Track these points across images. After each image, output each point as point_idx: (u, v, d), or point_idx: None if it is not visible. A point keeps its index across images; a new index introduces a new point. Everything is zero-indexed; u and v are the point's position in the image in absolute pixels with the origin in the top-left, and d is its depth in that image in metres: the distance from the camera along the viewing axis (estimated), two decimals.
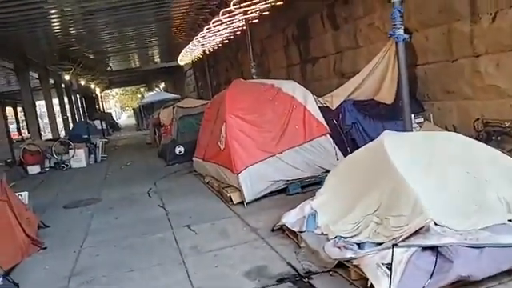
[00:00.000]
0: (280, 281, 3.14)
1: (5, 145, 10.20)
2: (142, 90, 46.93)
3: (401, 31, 4.36)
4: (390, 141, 3.48)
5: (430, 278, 2.57)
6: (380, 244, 2.97)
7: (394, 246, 2.75)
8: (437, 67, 5.59)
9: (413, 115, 4.98)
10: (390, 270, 2.63)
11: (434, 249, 2.69)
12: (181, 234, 4.47)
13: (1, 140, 10.25)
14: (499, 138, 4.79)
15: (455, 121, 5.45)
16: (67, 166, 10.88)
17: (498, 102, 4.85)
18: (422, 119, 5.50)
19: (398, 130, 4.44)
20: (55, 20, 9.85)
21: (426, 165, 3.26)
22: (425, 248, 2.71)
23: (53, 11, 9.00)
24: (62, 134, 17.14)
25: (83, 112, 24.61)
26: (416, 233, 2.81)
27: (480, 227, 2.84)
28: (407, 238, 2.81)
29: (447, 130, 5.49)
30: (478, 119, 4.99)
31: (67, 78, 17.68)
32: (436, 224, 2.82)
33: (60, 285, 3.61)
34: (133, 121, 31.15)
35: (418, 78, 5.89)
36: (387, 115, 5.42)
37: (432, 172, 3.19)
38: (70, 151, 11.11)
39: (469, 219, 2.89)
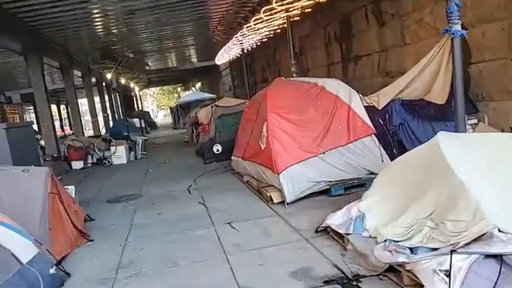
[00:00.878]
0: (327, 282, 3.04)
1: (51, 141, 10.67)
2: (178, 89, 47.93)
3: (458, 26, 4.13)
4: (446, 142, 3.30)
5: (494, 287, 2.40)
6: (435, 249, 2.81)
7: (452, 251, 2.60)
8: (494, 65, 5.26)
9: (465, 116, 4.72)
10: (449, 276, 2.48)
11: (497, 257, 2.51)
12: (223, 231, 4.46)
13: (48, 136, 10.74)
14: None
15: None
16: (109, 162, 11.22)
17: None
18: (475, 120, 5.20)
19: (449, 131, 4.21)
20: (98, 19, 10.22)
21: (486, 168, 3.05)
22: (488, 256, 2.53)
23: (95, 11, 9.34)
24: (103, 131, 17.75)
25: (122, 110, 25.40)
26: (477, 240, 2.63)
27: None
28: (467, 244, 2.63)
29: (503, 132, 5.16)
30: None
31: (108, 76, 18.32)
32: (500, 231, 2.63)
33: (109, 276, 3.69)
34: (169, 119, 31.86)
35: (472, 76, 5.57)
36: (437, 116, 5.17)
37: (493, 176, 2.98)
38: (111, 148, 11.45)
39: None
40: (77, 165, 11.09)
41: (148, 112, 34.67)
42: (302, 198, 5.12)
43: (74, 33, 11.05)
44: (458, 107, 4.33)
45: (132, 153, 11.86)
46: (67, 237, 4.38)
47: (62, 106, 34.40)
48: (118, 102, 24.63)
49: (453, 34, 4.11)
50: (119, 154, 11.32)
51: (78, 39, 12.29)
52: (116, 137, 12.22)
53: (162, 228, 4.89)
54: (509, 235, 2.61)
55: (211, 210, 5.39)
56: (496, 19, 5.06)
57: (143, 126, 21.33)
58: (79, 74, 16.50)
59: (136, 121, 20.41)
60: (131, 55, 17.48)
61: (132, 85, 26.29)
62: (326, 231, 3.91)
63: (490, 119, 5.29)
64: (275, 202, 5.18)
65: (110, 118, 20.84)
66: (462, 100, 4.31)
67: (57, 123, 31.83)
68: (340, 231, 3.65)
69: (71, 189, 5.64)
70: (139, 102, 35.88)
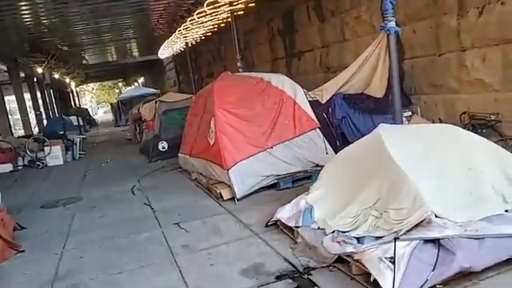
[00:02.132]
0: (279, 277, 3.06)
1: None
2: (119, 84, 45.89)
3: (393, 23, 4.33)
4: (386, 133, 3.46)
5: (433, 271, 2.56)
6: (380, 238, 2.94)
7: (395, 239, 2.74)
8: (424, 61, 5.63)
9: (401, 109, 4.99)
10: (394, 263, 2.61)
11: (435, 241, 2.69)
12: (170, 233, 4.33)
13: None
14: (484, 131, 4.87)
15: (442, 114, 5.52)
16: (43, 163, 10.44)
17: (483, 96, 4.93)
18: (409, 113, 5.53)
19: (388, 123, 4.44)
20: (25, 8, 9.37)
21: (423, 157, 3.25)
22: (427, 240, 2.70)
23: None
24: (35, 130, 16.49)
25: (58, 107, 23.76)
26: (417, 226, 2.80)
27: (478, 218, 2.86)
28: (408, 231, 2.79)
29: (433, 123, 5.55)
30: (464, 113, 5.07)
31: (39, 71, 17.00)
32: (437, 216, 2.82)
33: None
34: (110, 116, 30.40)
35: (406, 71, 5.92)
36: (377, 109, 5.43)
37: (430, 164, 3.18)
38: (45, 148, 10.67)
39: (467, 211, 2.91)
40: (5, 168, 10.16)
41: (86, 109, 32.81)
42: (251, 194, 5.13)
43: None
44: (395, 101, 4.55)
45: (69, 153, 11.15)
46: None
47: None
48: (52, 98, 23.00)
49: (388, 30, 4.31)
50: (54, 154, 10.57)
51: (1, 29, 11.19)
52: (51, 136, 11.43)
53: (103, 233, 4.63)
54: (444, 220, 2.81)
55: (158, 210, 5.22)
56: (425, 17, 5.41)
57: (81, 123, 20.17)
58: (4, 67, 15.10)
59: (73, 118, 19.25)
60: (65, 48, 16.30)
61: (68, 80, 24.64)
62: (277, 225, 3.94)
63: (422, 111, 5.67)
64: (225, 198, 5.14)
65: (44, 116, 19.41)
66: (398, 94, 4.54)
67: None
68: (289, 224, 3.70)
69: None
70: (76, 99, 33.76)
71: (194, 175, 6.43)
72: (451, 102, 5.34)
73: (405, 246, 2.67)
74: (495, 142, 4.67)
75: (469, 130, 4.95)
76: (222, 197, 5.17)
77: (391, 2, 4.34)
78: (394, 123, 4.49)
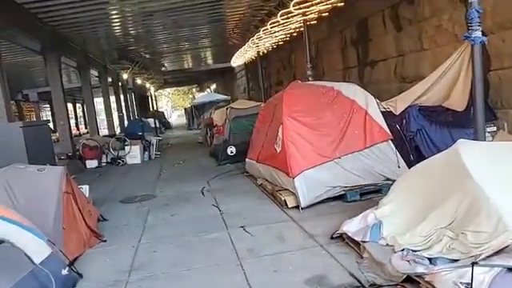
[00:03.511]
0: None
1: (66, 139, 10.84)
2: (193, 90, 48.25)
3: (478, 33, 4.06)
4: (466, 150, 3.24)
5: None
6: (455, 261, 2.75)
7: (474, 264, 2.54)
8: None
9: (485, 123, 4.63)
10: None
11: None
12: (236, 235, 4.45)
13: (63, 135, 10.92)
14: None
15: None
16: (123, 161, 11.33)
17: None
18: (494, 128, 5.10)
19: (468, 138, 4.14)
20: (115, 20, 10.38)
21: (507, 178, 2.98)
22: (510, 269, 2.47)
23: (113, 12, 9.48)
24: (118, 130, 17.96)
25: (137, 110, 25.67)
26: (499, 252, 2.58)
27: None
28: (489, 256, 2.58)
29: None
30: None
31: (125, 76, 18.56)
32: None
33: (121, 278, 3.70)
34: (183, 120, 32.04)
35: (491, 84, 5.47)
36: (456, 123, 5.08)
37: None
38: (126, 147, 11.57)
39: None
40: (91, 164, 11.22)
41: (163, 112, 34.96)
42: (316, 203, 5.07)
43: (91, 33, 11.24)
44: (478, 114, 4.25)
45: (146, 153, 11.96)
46: (80, 237, 4.40)
47: (78, 105, 34.98)
48: (133, 101, 24.93)
49: (473, 40, 4.05)
50: (133, 153, 11.44)
51: (95, 39, 12.49)
52: (130, 136, 12.36)
53: (175, 230, 4.90)
54: None
55: (225, 212, 5.40)
56: None
57: (157, 126, 21.55)
58: (96, 73, 16.74)
59: (151, 121, 20.64)
60: (148, 56, 17.68)
61: (148, 85, 26.55)
62: (342, 238, 3.86)
63: (509, 127, 5.18)
64: (289, 206, 5.15)
65: (125, 117, 21.09)
66: (481, 107, 4.24)
67: (72, 121, 32.45)
68: (356, 238, 3.61)
69: (85, 188, 5.68)
70: (154, 102, 36.16)
71: (260, 181, 6.54)
72: None
73: (484, 272, 2.48)
74: None
75: None
76: (286, 204, 5.19)
77: (477, 11, 4.08)
78: (475, 139, 4.19)
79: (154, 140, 12.63)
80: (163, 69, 23.73)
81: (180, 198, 6.60)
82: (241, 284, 3.31)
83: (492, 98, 5.47)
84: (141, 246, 4.50)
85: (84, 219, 4.64)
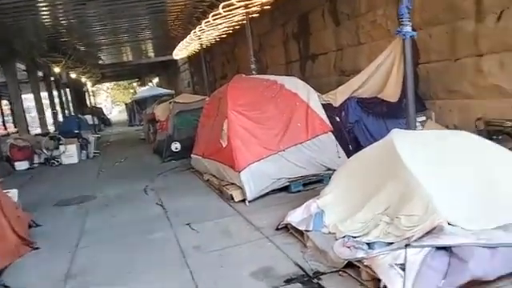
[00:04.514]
0: (288, 281, 3.06)
1: None
2: (134, 84, 46.46)
3: (408, 28, 4.29)
4: (399, 139, 3.44)
5: (444, 279, 2.54)
6: (391, 244, 2.92)
7: (407, 246, 2.71)
8: (439, 66, 5.57)
9: (415, 114, 4.94)
10: (404, 270, 2.59)
11: (447, 249, 2.65)
12: (182, 233, 4.36)
13: None
14: (500, 137, 4.79)
15: (456, 120, 5.45)
16: (58, 162, 10.62)
17: (500, 102, 4.85)
18: (424, 118, 5.47)
19: (401, 128, 4.40)
20: (43, 8, 9.56)
21: (437, 163, 3.21)
22: (438, 248, 2.67)
23: None
24: (51, 128, 16.81)
25: (74, 106, 24.17)
26: (429, 233, 2.77)
27: (492, 227, 2.81)
28: (420, 238, 2.76)
29: (448, 128, 5.49)
30: (479, 118, 4.99)
31: (57, 70, 17.33)
32: (449, 224, 2.79)
33: (56, 287, 3.47)
34: (124, 116, 30.74)
35: (420, 76, 5.86)
36: (390, 113, 5.39)
37: (443, 171, 3.14)
38: (60, 147, 10.86)
39: (481, 219, 2.86)
40: (21, 165, 10.38)
41: (101, 108, 33.25)
42: (262, 196, 5.13)
43: (15, 22, 10.26)
44: (409, 105, 4.51)
45: (84, 152, 11.32)
46: (7, 246, 4.05)
47: (5, 102, 32.12)
48: (68, 97, 23.42)
49: (404, 35, 4.28)
50: (69, 153, 10.76)
51: (20, 29, 11.42)
52: (66, 135, 11.60)
53: (116, 232, 4.70)
54: (457, 228, 2.78)
55: (170, 211, 5.27)
56: (441, 22, 5.36)
57: (96, 123, 20.48)
58: (23, 67, 15.44)
59: (88, 118, 19.54)
60: (82, 48, 16.62)
61: (84, 79, 25.07)
62: (287, 228, 3.94)
63: (436, 117, 5.60)
64: (236, 200, 5.16)
65: (60, 114, 19.78)
66: (412, 98, 4.50)
67: None
68: (300, 228, 3.70)
69: (13, 192, 5.27)
70: (92, 98, 34.27)
71: (207, 176, 6.47)
72: (466, 107, 5.27)
73: (416, 253, 2.65)
74: (510, 149, 4.64)
75: (483, 136, 4.89)
76: (233, 198, 5.20)
77: (407, 7, 4.31)
78: (407, 128, 4.46)
79: (91, 138, 11.97)
80: (100, 62, 22.50)
81: (122, 198, 6.33)
82: (187, 282, 3.26)
83: (421, 89, 5.86)
84: (78, 251, 4.26)
85: (12, 227, 4.27)
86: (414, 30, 4.55)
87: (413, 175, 3.03)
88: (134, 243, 4.30)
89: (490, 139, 4.75)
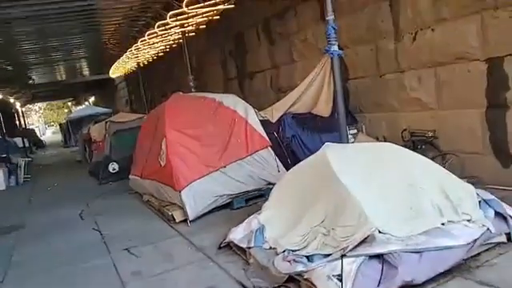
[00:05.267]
0: None
1: None
2: (69, 104, 44.01)
3: (335, 47, 4.58)
4: (331, 152, 3.60)
5: (378, 286, 2.67)
6: (329, 255, 3.01)
7: (342, 256, 2.83)
8: (367, 81, 5.96)
9: (347, 127, 5.23)
10: (341, 280, 2.69)
11: (380, 257, 2.80)
12: (120, 259, 4.18)
13: None
14: (423, 146, 5.22)
15: (385, 131, 5.84)
16: None
17: (421, 114, 5.28)
18: (355, 131, 5.78)
19: (335, 141, 4.62)
20: None
21: (366, 174, 3.40)
22: (371, 256, 2.81)
23: None
24: None
25: (0, 128, 22.29)
26: (362, 242, 2.90)
27: (418, 232, 3.01)
28: (354, 247, 2.89)
29: (378, 140, 5.86)
30: (405, 130, 5.39)
31: None
32: (380, 232, 2.94)
33: None
34: (59, 137, 29.01)
35: (350, 91, 6.22)
36: (324, 128, 5.63)
37: (372, 181, 3.33)
38: None
39: (408, 225, 3.06)
40: None
41: (33, 130, 31.05)
42: (204, 214, 5.09)
43: None
44: (340, 119, 4.78)
45: (12, 177, 10.52)
46: None
47: None
48: None
49: (331, 53, 4.56)
50: None
51: None
52: None
53: (48, 263, 4.39)
54: (387, 235, 2.94)
55: (107, 236, 5.03)
56: (366, 41, 5.76)
57: (27, 145, 19.06)
58: None
59: (18, 140, 18.18)
60: (9, 68, 15.50)
61: (12, 100, 23.27)
62: (230, 246, 3.93)
63: (367, 129, 5.96)
64: (177, 221, 5.06)
65: None
66: (343, 113, 4.78)
67: None
68: (242, 245, 3.70)
69: None
70: (22, 119, 31.89)
71: (146, 197, 6.27)
72: (393, 119, 5.67)
73: (351, 262, 2.77)
74: (433, 157, 5.06)
75: (410, 146, 5.29)
76: (174, 219, 5.08)
77: (333, 27, 4.61)
78: (340, 141, 4.70)
79: (21, 162, 11.13)
80: (30, 81, 21.08)
81: (55, 225, 5.93)
82: None
83: (352, 103, 6.22)
84: (4, 287, 3.91)
85: None
86: (341, 48, 4.86)
87: (345, 187, 3.18)
88: (67, 273, 4.04)
89: (415, 149, 5.20)
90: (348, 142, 4.88)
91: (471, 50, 4.48)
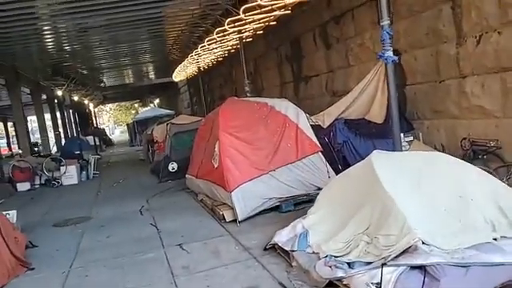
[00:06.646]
0: None
1: None
2: (136, 105, 46.98)
3: (390, 53, 4.47)
4: (378, 160, 3.55)
5: None
6: (370, 263, 2.99)
7: (383, 265, 2.79)
8: (425, 87, 5.72)
9: (402, 134, 5.06)
10: None
11: (421, 268, 2.73)
12: (172, 254, 4.45)
13: None
14: (485, 156, 4.90)
15: (443, 139, 5.56)
16: (58, 183, 10.76)
17: (483, 122, 4.97)
18: (411, 138, 5.57)
19: (388, 148, 4.53)
20: (48, 36, 9.95)
21: (414, 184, 3.32)
22: (413, 267, 2.75)
23: (46, 27, 9.09)
24: (54, 149, 17.01)
25: (76, 127, 24.48)
26: (404, 252, 2.85)
27: (466, 246, 2.88)
28: (396, 257, 2.84)
29: (436, 148, 5.60)
30: (464, 138, 5.10)
31: (59, 93, 17.68)
32: (424, 243, 2.86)
33: None
34: (126, 136, 31.04)
35: (408, 97, 6.02)
36: (378, 134, 5.51)
37: (420, 191, 3.25)
38: (61, 168, 11.01)
39: (455, 238, 2.94)
40: (23, 186, 10.54)
41: (103, 129, 33.66)
42: (253, 216, 5.23)
43: (22, 49, 10.66)
44: (394, 126, 4.65)
45: (84, 172, 11.48)
46: (3, 267, 4.17)
47: (10, 124, 32.55)
48: (70, 119, 23.74)
49: (386, 59, 4.46)
50: (69, 174, 10.92)
51: (26, 55, 11.83)
52: (68, 156, 11.79)
53: (109, 252, 4.79)
54: (431, 247, 2.86)
55: (162, 231, 5.36)
56: (425, 46, 5.54)
57: (98, 143, 20.68)
58: (28, 90, 15.78)
59: (90, 138, 19.78)
60: (85, 72, 17.04)
61: (86, 101, 25.46)
62: (275, 248, 4.02)
63: (424, 137, 5.72)
64: (227, 220, 5.25)
65: (63, 135, 20.02)
66: (397, 120, 4.63)
67: (3, 141, 30.11)
68: (286, 248, 3.78)
69: (12, 214, 5.40)
70: (94, 119, 34.70)
71: (200, 196, 6.57)
72: (452, 127, 5.39)
73: (391, 271, 2.73)
74: (496, 168, 4.73)
75: (469, 155, 5.00)
76: (224, 218, 5.29)
77: (388, 33, 4.50)
78: (393, 148, 4.58)
79: (91, 159, 12.13)
80: (102, 84, 22.92)
81: (117, 218, 6.43)
82: None
83: (409, 110, 6.01)
84: (72, 272, 4.35)
85: (9, 247, 4.40)
86: (397, 53, 4.73)
87: (389, 196, 3.13)
88: (125, 263, 4.38)
89: (476, 158, 4.90)
90: (402, 150, 4.73)
91: None
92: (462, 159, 4.06)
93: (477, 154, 4.96)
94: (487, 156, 4.90)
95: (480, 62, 4.84)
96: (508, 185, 3.60)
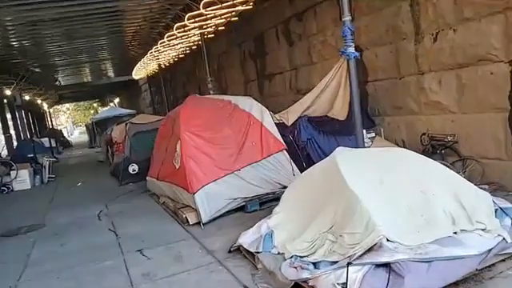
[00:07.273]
0: None
1: None
2: (95, 105, 45.29)
3: (352, 49, 4.47)
4: (342, 157, 3.52)
5: None
6: (335, 262, 2.94)
7: (348, 264, 2.74)
8: (386, 84, 5.81)
9: (364, 130, 5.10)
10: None
11: (386, 265, 2.71)
12: (132, 260, 4.22)
13: None
14: (443, 151, 5.04)
15: (404, 135, 5.67)
16: (8, 188, 10.10)
17: (441, 118, 5.10)
18: (373, 134, 5.65)
19: (351, 145, 4.53)
20: None
21: (377, 181, 3.30)
22: (378, 265, 2.72)
23: None
24: (4, 152, 15.96)
25: (30, 129, 23.14)
26: (369, 250, 2.82)
27: (428, 241, 2.90)
28: (361, 255, 2.81)
29: (397, 144, 5.70)
30: (424, 134, 5.22)
31: (8, 93, 16.59)
32: (388, 240, 2.85)
33: None
34: (85, 137, 29.84)
35: (369, 94, 6.08)
36: (340, 131, 5.53)
37: (383, 188, 3.23)
38: (11, 172, 10.34)
39: (418, 234, 2.95)
40: None
41: (60, 130, 32.09)
42: (218, 217, 5.08)
43: None
44: (356, 123, 4.66)
45: (38, 176, 10.84)
46: None
47: None
48: (23, 120, 22.40)
49: (348, 55, 4.45)
50: (21, 178, 10.27)
51: None
52: (20, 159, 11.06)
53: (63, 262, 4.48)
54: (396, 244, 2.84)
55: (122, 237, 5.10)
56: (385, 43, 5.61)
57: (54, 145, 19.67)
58: None
59: (45, 140, 18.78)
60: (37, 70, 16.07)
61: (40, 101, 24.12)
62: (240, 250, 3.89)
63: (385, 133, 5.81)
64: (191, 223, 5.07)
65: (15, 138, 18.84)
66: (359, 116, 4.65)
67: None
68: (251, 250, 3.67)
69: None
70: (50, 120, 33.06)
71: (162, 199, 6.33)
72: (412, 123, 5.50)
73: (357, 270, 2.69)
74: (453, 162, 4.87)
75: (429, 150, 5.12)
76: (188, 221, 5.10)
77: (350, 29, 4.50)
78: (356, 145, 4.58)
79: (46, 162, 11.46)
80: (57, 83, 21.80)
81: (73, 225, 6.06)
82: None
83: (371, 106, 6.08)
84: (20, 285, 4.04)
85: None
86: (358, 50, 4.74)
87: (353, 193, 3.09)
88: (80, 273, 4.11)
89: (435, 153, 5.02)
90: (364, 146, 4.76)
91: (494, 52, 4.29)
92: (422, 154, 4.14)
93: (435, 148, 5.09)
94: (445, 150, 5.03)
95: (437, 59, 4.96)
96: (464, 178, 3.69)
